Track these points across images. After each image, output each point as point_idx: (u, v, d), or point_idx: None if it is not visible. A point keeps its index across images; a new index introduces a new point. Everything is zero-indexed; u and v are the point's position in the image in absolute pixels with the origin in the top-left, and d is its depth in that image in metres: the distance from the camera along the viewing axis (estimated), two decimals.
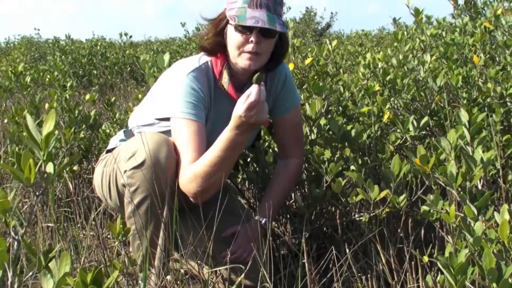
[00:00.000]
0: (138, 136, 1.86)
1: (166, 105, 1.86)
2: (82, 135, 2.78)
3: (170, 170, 1.76)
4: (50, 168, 0.99)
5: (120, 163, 1.82)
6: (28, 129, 0.98)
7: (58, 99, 2.92)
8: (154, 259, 1.83)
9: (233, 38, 1.81)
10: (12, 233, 1.01)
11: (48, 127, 0.98)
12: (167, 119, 1.86)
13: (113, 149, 2.01)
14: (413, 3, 3.18)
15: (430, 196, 1.56)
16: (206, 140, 1.82)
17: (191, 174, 1.74)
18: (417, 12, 3.23)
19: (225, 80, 1.88)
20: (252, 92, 1.64)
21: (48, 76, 3.52)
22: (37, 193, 0.99)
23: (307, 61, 2.53)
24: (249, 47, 1.80)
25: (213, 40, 1.87)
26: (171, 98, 1.84)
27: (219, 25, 1.86)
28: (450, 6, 3.52)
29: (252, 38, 1.78)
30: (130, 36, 9.75)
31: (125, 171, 1.78)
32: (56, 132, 2.75)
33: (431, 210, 1.63)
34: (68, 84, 3.12)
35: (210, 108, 1.90)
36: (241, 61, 1.83)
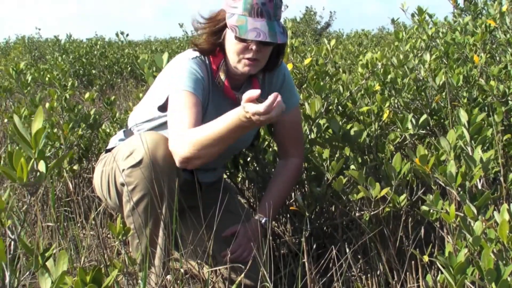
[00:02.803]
0: (137, 135, 1.86)
1: (168, 87, 1.85)
2: (80, 132, 2.78)
3: (168, 168, 1.76)
4: (42, 166, 0.98)
5: (118, 162, 1.82)
6: (17, 129, 0.97)
7: (58, 98, 2.92)
8: (154, 258, 1.83)
9: (232, 45, 1.82)
10: (9, 233, 1.00)
11: (37, 124, 0.98)
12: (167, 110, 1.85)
13: (112, 148, 2.01)
14: (409, 4, 3.18)
15: (430, 196, 1.56)
16: (201, 113, 1.79)
17: (183, 138, 1.70)
18: (420, 11, 3.23)
19: (221, 76, 1.88)
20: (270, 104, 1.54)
21: (48, 76, 3.51)
22: (31, 192, 0.99)
23: (306, 61, 2.53)
24: (249, 54, 1.80)
25: (209, 39, 1.86)
26: (173, 79, 1.84)
27: (216, 25, 1.85)
28: (449, 5, 3.51)
29: (252, 47, 1.79)
30: (127, 35, 9.73)
31: (123, 170, 1.78)
32: (55, 130, 2.75)
33: (431, 210, 1.63)
34: (69, 84, 3.12)
35: (208, 100, 1.90)
36: (241, 66, 1.84)
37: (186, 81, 1.80)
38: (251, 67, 1.83)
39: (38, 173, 0.98)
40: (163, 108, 1.89)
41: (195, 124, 1.74)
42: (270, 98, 1.54)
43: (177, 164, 1.74)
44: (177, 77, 1.82)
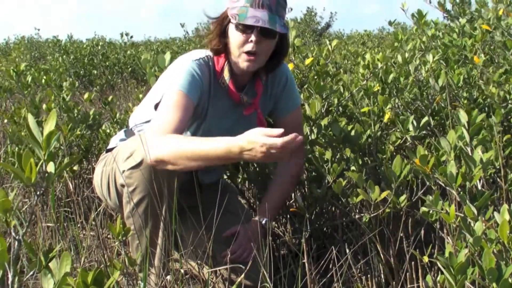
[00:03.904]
0: (137, 136, 1.86)
1: (167, 87, 1.86)
2: (79, 132, 2.78)
3: (167, 170, 1.76)
4: (51, 167, 0.99)
5: (118, 163, 1.83)
6: (29, 129, 0.98)
7: (55, 99, 2.92)
8: (154, 259, 1.83)
9: (234, 37, 1.82)
10: (13, 233, 1.01)
11: (50, 126, 0.98)
12: None
13: (113, 148, 2.01)
14: (409, 4, 3.18)
15: (429, 197, 1.56)
16: (190, 117, 1.80)
17: (166, 141, 1.68)
18: (420, 15, 3.23)
19: (226, 77, 1.89)
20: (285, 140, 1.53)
21: (44, 77, 3.51)
22: (37, 193, 0.99)
23: (308, 61, 2.53)
24: (249, 46, 1.81)
25: (218, 40, 1.87)
26: (173, 77, 1.84)
27: (222, 24, 1.86)
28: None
29: (252, 38, 1.79)
30: (131, 36, 9.78)
31: (123, 171, 1.79)
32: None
33: (431, 211, 1.63)
34: (65, 84, 3.12)
35: (208, 102, 1.90)
36: (241, 61, 1.84)
37: (182, 81, 1.81)
38: (250, 62, 1.83)
39: (47, 174, 0.98)
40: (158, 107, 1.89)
41: (178, 128, 1.73)
42: (291, 136, 1.53)
43: (148, 161, 1.71)
44: (176, 77, 1.83)
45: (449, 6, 3.48)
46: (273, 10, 1.79)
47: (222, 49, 1.87)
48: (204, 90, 1.87)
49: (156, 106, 1.90)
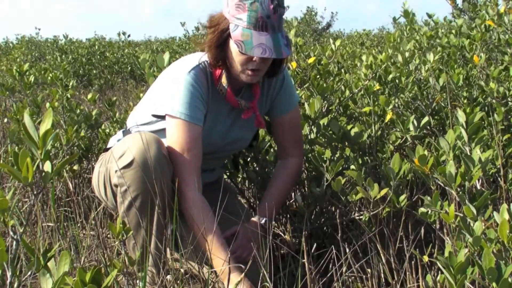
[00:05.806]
0: (130, 136, 1.86)
1: (165, 102, 1.85)
2: (83, 134, 2.78)
3: (159, 168, 1.76)
4: (47, 166, 0.98)
5: (111, 163, 1.83)
6: (26, 128, 0.98)
7: (59, 98, 2.92)
8: (151, 258, 1.84)
9: (236, 56, 1.80)
10: (11, 233, 1.01)
11: (46, 125, 0.98)
12: (165, 117, 1.86)
13: (110, 148, 2.01)
14: (410, 5, 3.19)
15: (427, 197, 1.56)
16: (202, 144, 1.84)
17: (196, 203, 1.82)
18: (406, 14, 3.23)
19: (224, 84, 1.88)
20: None
21: (50, 75, 3.50)
22: (35, 192, 0.99)
23: (310, 60, 2.52)
24: (252, 65, 1.80)
25: (216, 52, 1.83)
26: (171, 96, 1.83)
27: (221, 36, 1.82)
28: (448, 6, 3.51)
29: (255, 59, 1.78)
30: (129, 35, 9.81)
31: (116, 171, 1.79)
32: (57, 130, 2.76)
33: (429, 212, 1.63)
34: (70, 84, 3.11)
35: (207, 109, 1.90)
36: (244, 77, 1.83)
37: (183, 106, 1.80)
38: (253, 77, 1.83)
39: (43, 173, 0.98)
40: (158, 116, 1.90)
41: (197, 160, 1.83)
42: None
43: (179, 188, 1.82)
44: (175, 98, 1.82)
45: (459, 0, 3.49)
46: (276, 29, 1.76)
47: (221, 60, 1.84)
48: (205, 100, 1.87)
49: (154, 116, 1.92)
